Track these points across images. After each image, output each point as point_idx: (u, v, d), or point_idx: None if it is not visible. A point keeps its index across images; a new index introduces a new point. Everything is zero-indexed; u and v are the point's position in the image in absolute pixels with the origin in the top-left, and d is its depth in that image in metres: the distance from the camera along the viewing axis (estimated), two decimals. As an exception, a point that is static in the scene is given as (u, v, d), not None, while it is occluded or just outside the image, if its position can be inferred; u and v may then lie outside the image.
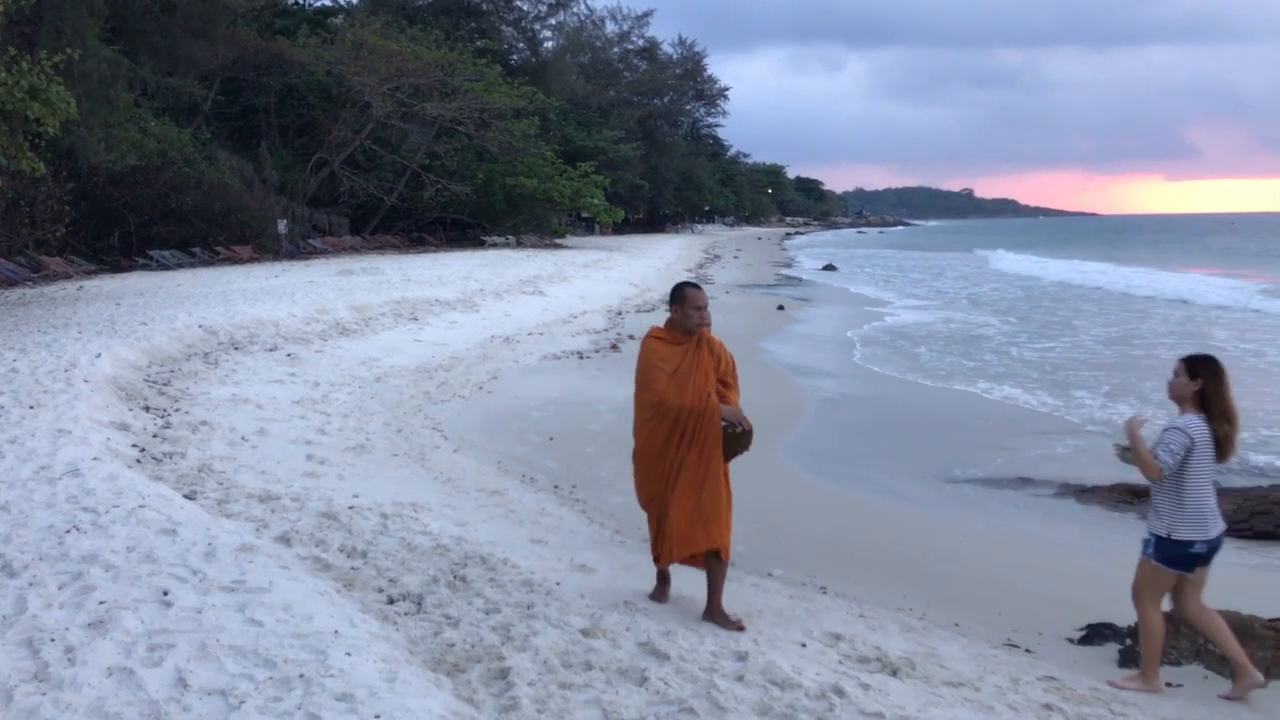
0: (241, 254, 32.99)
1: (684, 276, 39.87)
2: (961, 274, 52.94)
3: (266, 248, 34.68)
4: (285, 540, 6.67)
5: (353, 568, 6.28)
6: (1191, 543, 5.58)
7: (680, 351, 5.86)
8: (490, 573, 6.31)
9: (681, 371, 5.80)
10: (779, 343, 21.36)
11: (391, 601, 5.73)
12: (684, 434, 5.77)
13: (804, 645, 5.63)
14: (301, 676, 4.28)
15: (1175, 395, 5.69)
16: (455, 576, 6.17)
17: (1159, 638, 5.72)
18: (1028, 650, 6.42)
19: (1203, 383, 5.58)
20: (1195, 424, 5.55)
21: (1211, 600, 6.56)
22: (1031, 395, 15.77)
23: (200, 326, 15.49)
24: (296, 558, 6.28)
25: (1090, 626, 6.77)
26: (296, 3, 48.78)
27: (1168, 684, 5.86)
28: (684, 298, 5.92)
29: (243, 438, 9.85)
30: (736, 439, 5.86)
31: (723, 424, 5.80)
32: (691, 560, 5.97)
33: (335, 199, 42.18)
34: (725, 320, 23.24)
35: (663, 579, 6.25)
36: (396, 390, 13.66)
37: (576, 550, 7.21)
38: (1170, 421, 5.65)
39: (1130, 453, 5.65)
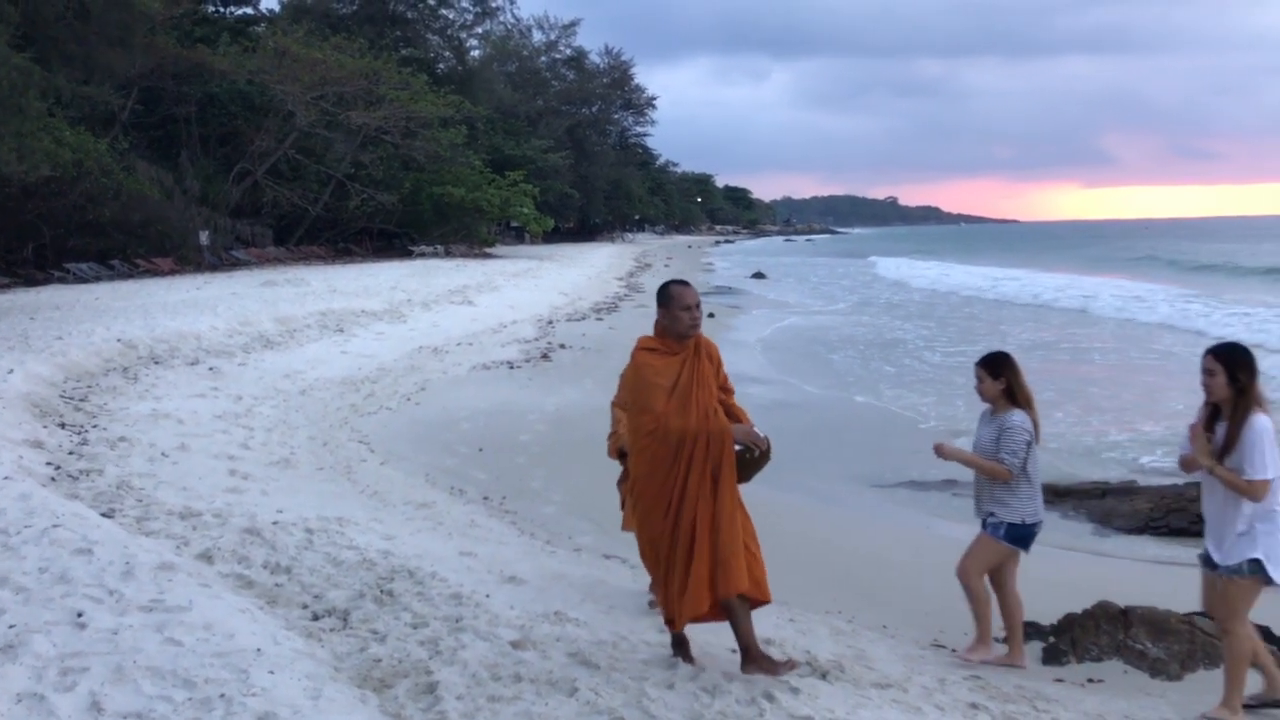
0: (162, 266, 32.29)
1: (615, 286, 39.93)
2: (884, 281, 53.89)
3: (188, 260, 33.99)
4: (207, 557, 6.52)
5: (276, 584, 6.16)
6: (1039, 523, 6.04)
7: (677, 363, 5.06)
8: (418, 586, 6.22)
9: (681, 387, 5.00)
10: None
11: (316, 618, 5.63)
12: (690, 461, 4.96)
13: (734, 651, 5.64)
14: (222, 696, 4.18)
15: (987, 397, 6.00)
16: (382, 591, 6.08)
17: (988, 602, 6.06)
18: (954, 650, 6.51)
19: (1006, 380, 5.91)
20: (1025, 420, 5.88)
21: (1128, 595, 6.74)
22: (958, 400, 16.03)
23: (119, 340, 15.11)
24: (218, 575, 6.14)
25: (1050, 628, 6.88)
26: (217, 11, 47.91)
27: (1089, 679, 5.98)
28: (670, 297, 5.12)
29: (163, 453, 9.62)
30: (754, 462, 5.14)
31: (736, 448, 5.05)
32: (711, 613, 5.09)
33: (259, 209, 41.49)
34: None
35: (680, 644, 5.27)
36: (322, 403, 13.46)
37: (506, 562, 7.15)
38: (1003, 421, 5.90)
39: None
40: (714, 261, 72.24)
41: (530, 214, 55.95)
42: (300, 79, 39.62)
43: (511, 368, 17.61)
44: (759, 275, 53.49)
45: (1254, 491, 4.99)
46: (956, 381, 17.12)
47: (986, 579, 6.08)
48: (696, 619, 5.10)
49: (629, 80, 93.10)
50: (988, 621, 6.06)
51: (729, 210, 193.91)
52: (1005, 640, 6.10)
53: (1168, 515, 9.86)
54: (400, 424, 12.70)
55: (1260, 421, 5.02)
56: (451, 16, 62.14)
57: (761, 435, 5.10)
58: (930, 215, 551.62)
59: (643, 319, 27.27)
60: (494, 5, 63.95)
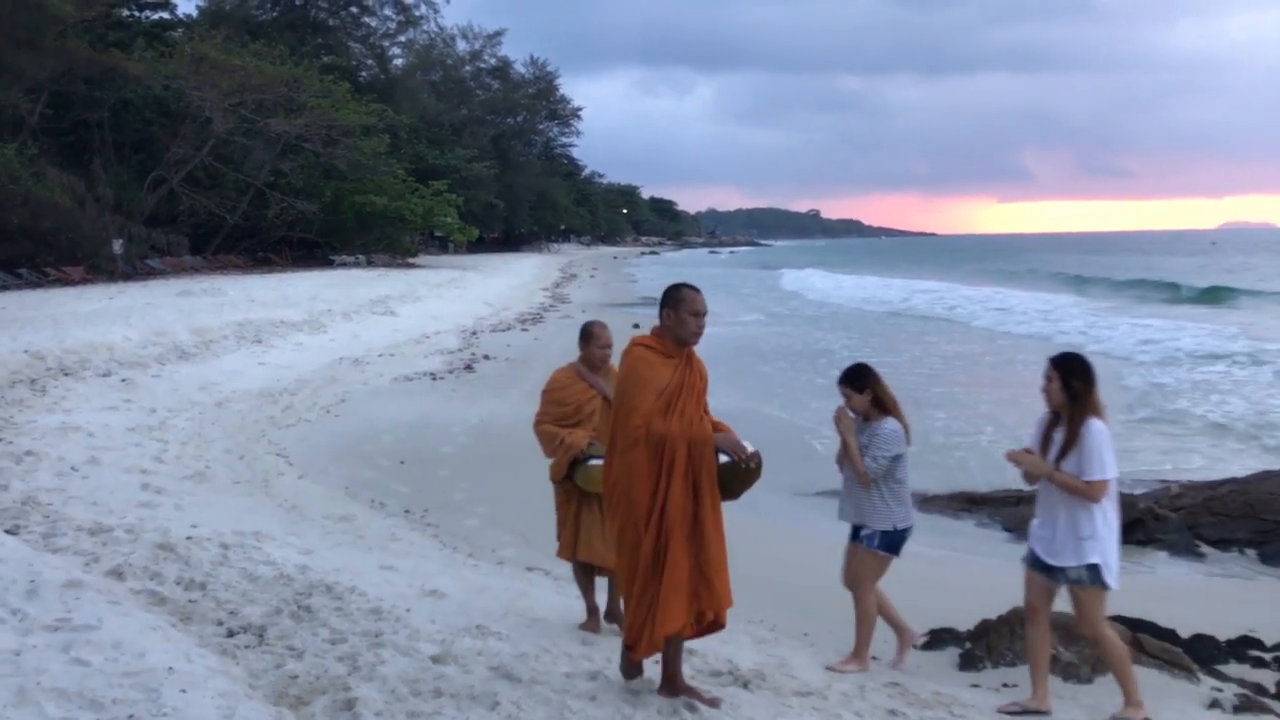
0: (73, 275, 31.39)
1: (540, 296, 39.83)
2: (807, 292, 54.55)
3: (100, 268, 33.08)
4: (117, 574, 6.34)
5: (190, 600, 6.02)
6: (910, 528, 6.08)
7: (671, 366, 4.85)
8: (337, 601, 6.13)
9: (669, 391, 4.79)
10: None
11: (231, 634, 5.51)
12: (672, 468, 4.74)
13: (656, 663, 5.64)
14: (131, 717, 4.07)
15: (860, 410, 5.99)
16: (299, 606, 5.97)
17: (874, 621, 6.12)
18: (874, 657, 6.59)
19: (871, 391, 5.97)
20: (896, 428, 5.95)
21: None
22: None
23: (26, 352, 14.65)
24: (129, 592, 5.98)
25: (932, 631, 7.00)
26: (132, 14, 46.81)
27: (1004, 684, 6.10)
28: (681, 300, 4.91)
29: (72, 468, 9.35)
30: (742, 477, 4.88)
31: (722, 460, 4.84)
32: (688, 630, 4.87)
33: (174, 218, 40.55)
34: (580, 339, 23.27)
35: (635, 671, 5.03)
36: (239, 415, 13.20)
37: (428, 575, 7.08)
38: (874, 429, 5.95)
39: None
40: (639, 272, 72.55)
41: (454, 224, 55.51)
42: (218, 85, 38.85)
43: (434, 379, 17.46)
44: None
45: (1093, 493, 5.20)
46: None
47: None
48: (670, 634, 4.80)
49: (554, 91, 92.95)
50: (866, 636, 6.09)
51: (655, 222, 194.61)
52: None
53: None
54: (320, 436, 12.51)
55: (1097, 426, 5.24)
56: (374, 24, 61.56)
57: (750, 448, 4.86)
58: (852, 228, 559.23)
59: (569, 330, 27.33)
60: (417, 14, 63.38)
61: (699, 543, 4.77)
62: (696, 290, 4.99)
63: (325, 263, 47.09)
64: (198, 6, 53.90)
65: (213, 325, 19.88)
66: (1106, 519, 5.29)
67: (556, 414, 6.16)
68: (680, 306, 4.90)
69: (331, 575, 6.71)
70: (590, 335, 6.26)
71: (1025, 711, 5.45)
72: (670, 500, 4.74)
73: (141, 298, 24.95)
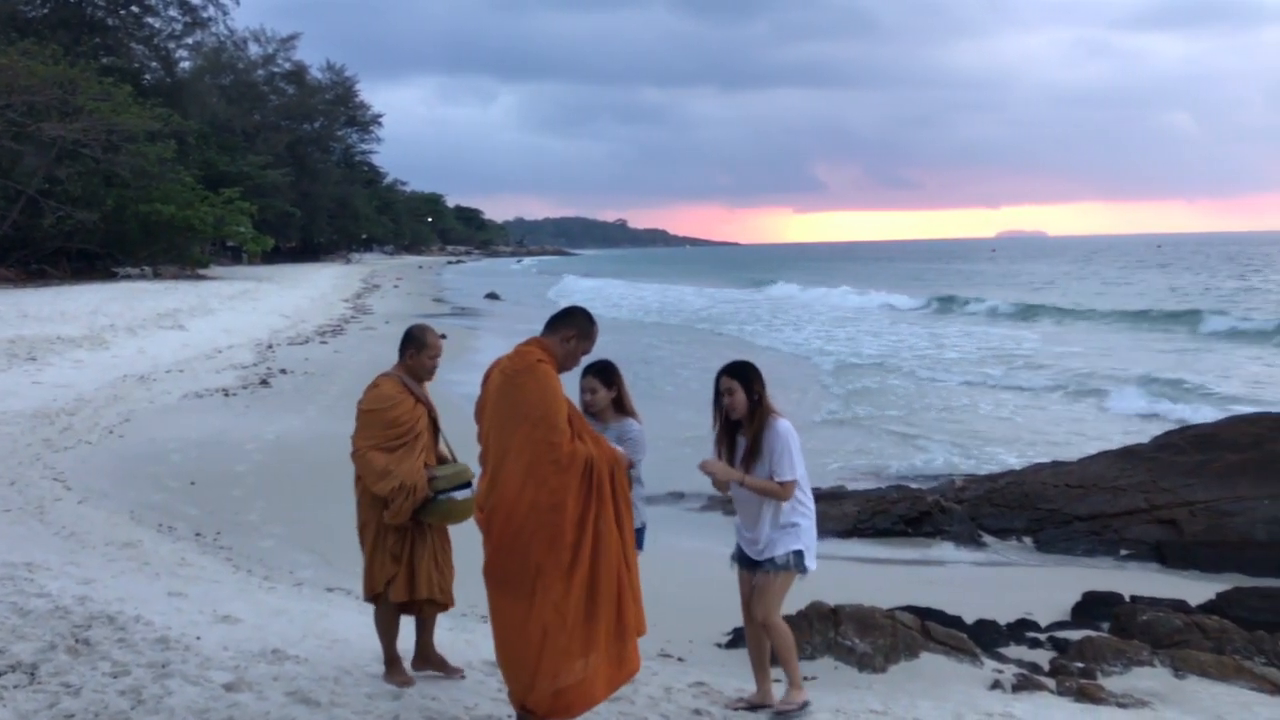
0: None
1: (340, 307, 38.70)
2: (622, 299, 55.19)
3: None
4: None
5: (-50, 642, 5.54)
6: (644, 525, 5.74)
7: (561, 387, 4.57)
8: (119, 632, 5.76)
9: (572, 412, 4.52)
10: (456, 372, 21.16)
11: (-1, 675, 5.10)
12: (600, 497, 4.38)
13: (464, 677, 5.56)
14: (-122, 774, 3.72)
15: (596, 409, 5.57)
16: (77, 640, 5.58)
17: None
18: (680, 659, 6.70)
19: (617, 389, 5.67)
20: (642, 429, 5.64)
21: (838, 595, 7.15)
22: (684, 409, 16.59)
23: None
24: (-122, 636, 5.46)
25: (736, 630, 7.16)
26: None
27: (805, 677, 6.29)
28: (587, 334, 4.73)
29: None
30: None
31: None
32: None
33: (-66, 228, 37.47)
34: (390, 352, 22.61)
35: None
36: (9, 438, 12.27)
37: (220, 600, 6.75)
38: (624, 432, 5.51)
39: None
40: (446, 282, 71.67)
41: (248, 233, 53.41)
42: (-19, 85, 36.14)
43: (227, 395, 16.70)
44: (493, 296, 53.36)
45: (785, 493, 5.26)
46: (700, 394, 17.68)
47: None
48: (606, 695, 4.47)
49: (353, 96, 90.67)
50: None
51: (461, 231, 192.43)
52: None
53: (873, 517, 10.57)
54: (102, 458, 11.76)
55: (782, 425, 5.32)
56: (158, 25, 58.39)
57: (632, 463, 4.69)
58: (658, 238, 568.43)
59: (370, 342, 26.68)
60: (205, 15, 60.53)
61: (632, 579, 4.49)
62: (595, 324, 4.81)
63: (108, 275, 44.39)
64: (-43, 1, 49.98)
65: (-22, 342, 18.42)
66: (805, 506, 5.40)
67: (387, 437, 5.27)
68: (584, 342, 4.71)
69: (114, 605, 6.31)
70: (422, 342, 5.48)
71: (753, 707, 5.45)
72: (604, 529, 4.36)
73: (-105, 314, 22.92)
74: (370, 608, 5.60)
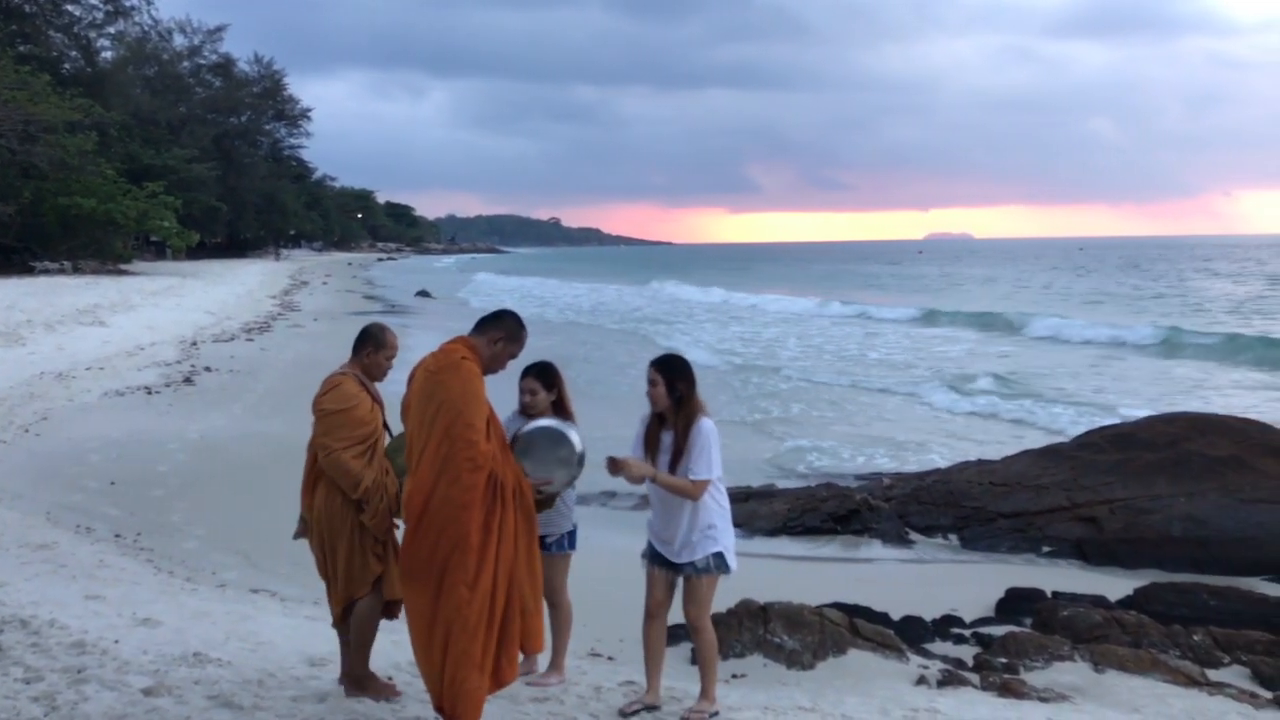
0: None
1: (268, 304, 38.07)
2: (545, 298, 55.12)
3: None
4: None
5: None
6: (575, 525, 5.81)
7: (484, 388, 4.53)
8: (33, 637, 5.60)
9: (489, 414, 4.47)
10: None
11: (-97, 683, 4.93)
12: (503, 499, 4.36)
13: (391, 677, 5.49)
14: None
15: (535, 411, 5.47)
16: (-12, 645, 5.42)
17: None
18: (610, 658, 6.70)
19: (557, 390, 5.59)
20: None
21: (768, 592, 7.19)
22: (622, 411, 16.57)
23: None
24: None
25: (668, 628, 7.17)
26: None
27: (734, 675, 6.33)
28: (516, 339, 4.70)
29: None
30: (540, 504, 4.77)
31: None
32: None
33: None
34: (319, 350, 22.45)
35: None
36: (-81, 437, 11.88)
37: (140, 603, 6.60)
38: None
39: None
40: (376, 279, 70.93)
41: (172, 228, 52.21)
42: (-111, 72, 34.90)
43: (150, 393, 16.32)
44: (424, 294, 52.88)
45: (696, 491, 5.16)
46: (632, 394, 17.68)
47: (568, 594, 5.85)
48: (501, 686, 4.48)
49: (281, 90, 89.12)
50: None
51: (392, 227, 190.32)
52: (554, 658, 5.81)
53: (803, 515, 10.66)
54: (16, 458, 11.42)
55: (706, 425, 5.24)
56: (78, 13, 56.90)
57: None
58: (592, 237, 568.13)
59: (298, 339, 26.27)
60: (128, 4, 59.10)
61: (534, 582, 4.48)
62: (524, 327, 4.77)
63: (25, 269, 43.17)
64: None
65: (-114, 338, 17.79)
66: (721, 506, 5.33)
67: (357, 438, 5.04)
68: (513, 345, 4.68)
69: (28, 609, 6.13)
70: (381, 341, 5.28)
71: (646, 708, 5.37)
72: (504, 536, 4.35)
73: None
74: (284, 610, 5.50)
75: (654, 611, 5.42)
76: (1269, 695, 6.51)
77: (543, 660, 5.69)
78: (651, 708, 5.36)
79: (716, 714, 5.34)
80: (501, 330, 4.67)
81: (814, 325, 39.57)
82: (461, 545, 4.24)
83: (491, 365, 4.63)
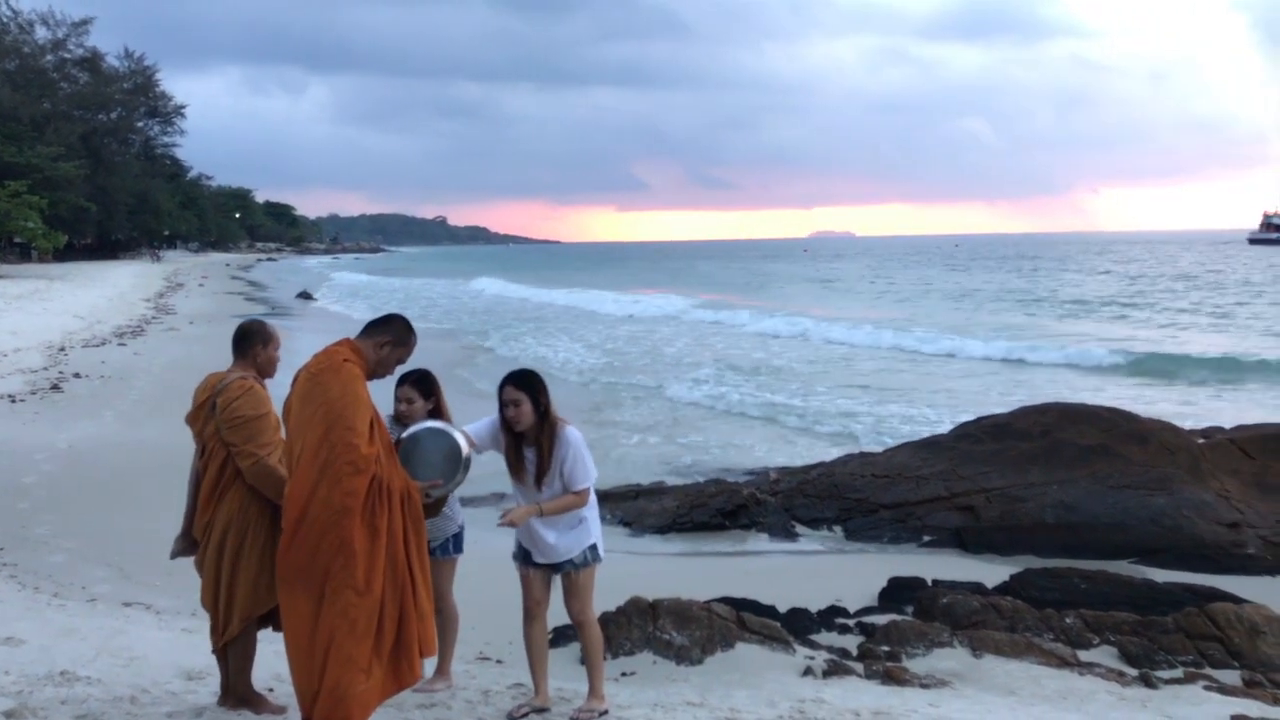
0: None
1: (141, 307, 36.79)
2: (438, 297, 54.46)
3: None
4: None
5: None
6: (462, 526, 5.78)
7: (368, 391, 4.41)
8: (-117, 661, 5.30)
9: (373, 418, 4.35)
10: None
11: None
12: (391, 503, 4.26)
13: (271, 690, 5.35)
14: None
15: (412, 420, 5.29)
16: None
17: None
18: (499, 661, 6.65)
19: (435, 400, 5.48)
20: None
21: (657, 589, 7.21)
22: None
23: None
24: None
25: (556, 629, 7.14)
26: None
27: (623, 673, 6.32)
28: (405, 343, 4.61)
29: None
30: (428, 507, 4.67)
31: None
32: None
33: None
34: (196, 354, 21.77)
35: None
36: None
37: (3, 621, 6.29)
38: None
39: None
40: (257, 280, 69.16)
41: (37, 229, 50.18)
42: None
43: (13, 401, 15.61)
44: (306, 296, 51.74)
45: (583, 500, 5.11)
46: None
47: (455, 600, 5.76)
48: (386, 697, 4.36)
49: (153, 86, 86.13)
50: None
51: (271, 227, 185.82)
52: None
53: (691, 511, 10.74)
54: None
55: (571, 433, 5.07)
56: (-71, 4, 54.25)
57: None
58: (479, 235, 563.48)
59: (172, 343, 25.47)
60: (-15, -6, 56.55)
61: (419, 598, 4.35)
62: (413, 333, 4.68)
63: (-126, 273, 40.90)
64: None
65: None
66: (590, 501, 5.24)
67: (277, 444, 4.78)
68: (399, 350, 4.58)
69: (-123, 632, 5.80)
70: (268, 335, 5.09)
71: (535, 711, 5.27)
72: (393, 538, 4.24)
73: None
74: (159, 620, 5.31)
75: (533, 612, 5.31)
76: (1135, 673, 6.79)
77: (429, 666, 5.61)
78: (540, 710, 5.30)
79: (605, 713, 5.28)
80: (389, 334, 4.57)
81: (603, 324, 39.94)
82: (345, 550, 4.12)
83: (378, 370, 4.54)
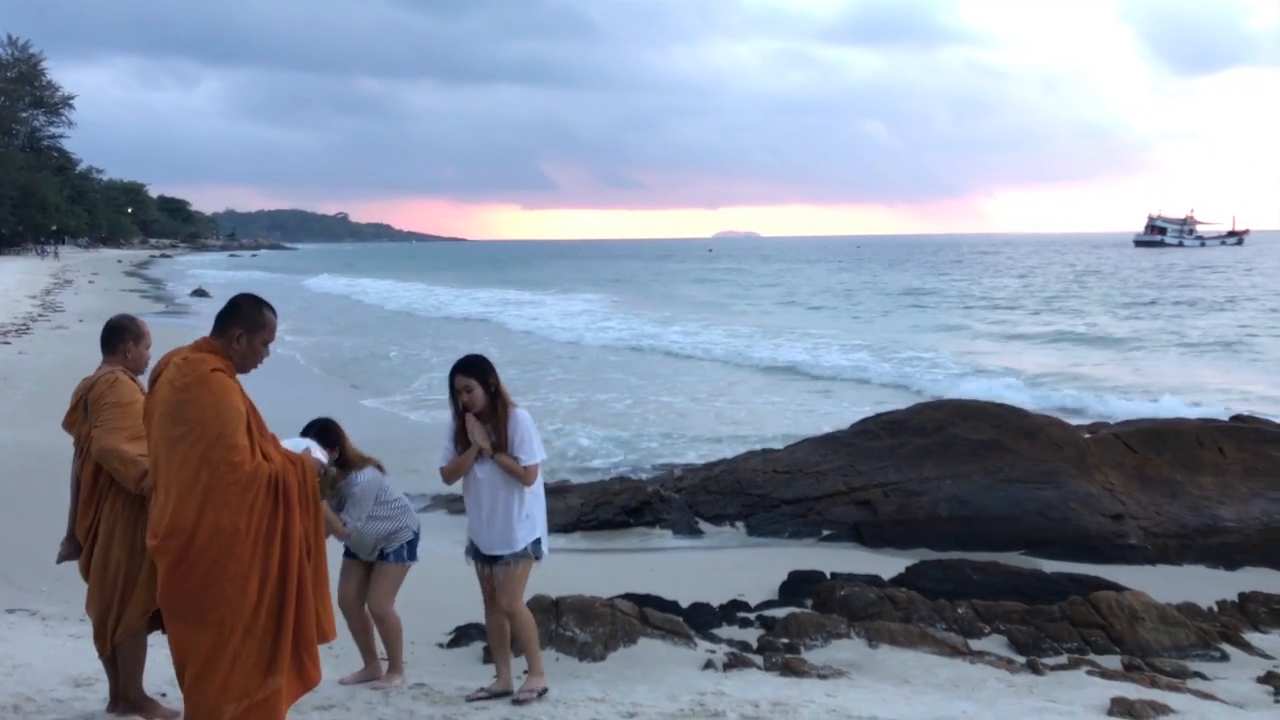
0: None
1: (27, 305, 35.46)
2: (332, 297, 53.64)
3: None
4: None
5: None
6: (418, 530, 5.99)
7: (239, 391, 4.12)
8: None
9: (251, 418, 4.11)
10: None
11: None
12: (288, 504, 4.07)
13: (164, 695, 5.23)
14: None
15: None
16: None
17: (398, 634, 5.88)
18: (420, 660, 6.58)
19: (339, 449, 5.57)
20: (373, 475, 5.73)
21: (561, 587, 7.23)
22: (416, 410, 16.38)
23: None
24: None
25: (459, 629, 7.13)
26: None
27: (525, 671, 6.32)
28: (263, 325, 4.26)
29: None
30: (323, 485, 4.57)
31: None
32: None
33: None
34: (84, 353, 20.97)
35: None
36: None
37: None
38: (350, 487, 5.62)
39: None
40: (153, 277, 67.19)
41: (-85, 223, 47.96)
42: None
43: (-111, 402, 14.95)
44: (201, 293, 50.42)
45: (530, 475, 5.39)
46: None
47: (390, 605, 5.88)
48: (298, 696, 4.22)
49: (39, 75, 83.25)
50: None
51: (166, 223, 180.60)
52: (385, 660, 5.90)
53: (596, 509, 10.77)
54: None
55: (523, 415, 5.43)
56: None
57: (322, 459, 4.58)
58: (382, 233, 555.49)
59: (60, 342, 24.68)
60: None
61: (318, 586, 4.21)
62: (274, 312, 4.37)
63: None
64: None
65: None
66: (539, 496, 5.54)
67: (138, 431, 4.56)
68: (259, 334, 4.23)
69: None
70: (139, 332, 5.01)
71: (494, 695, 5.47)
72: (290, 538, 4.05)
73: None
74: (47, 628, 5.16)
75: (492, 606, 5.60)
76: (1023, 660, 7.02)
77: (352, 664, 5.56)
78: (501, 694, 5.48)
79: (545, 690, 5.52)
80: (239, 324, 4.22)
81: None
82: (240, 568, 3.94)
83: (244, 364, 4.23)
